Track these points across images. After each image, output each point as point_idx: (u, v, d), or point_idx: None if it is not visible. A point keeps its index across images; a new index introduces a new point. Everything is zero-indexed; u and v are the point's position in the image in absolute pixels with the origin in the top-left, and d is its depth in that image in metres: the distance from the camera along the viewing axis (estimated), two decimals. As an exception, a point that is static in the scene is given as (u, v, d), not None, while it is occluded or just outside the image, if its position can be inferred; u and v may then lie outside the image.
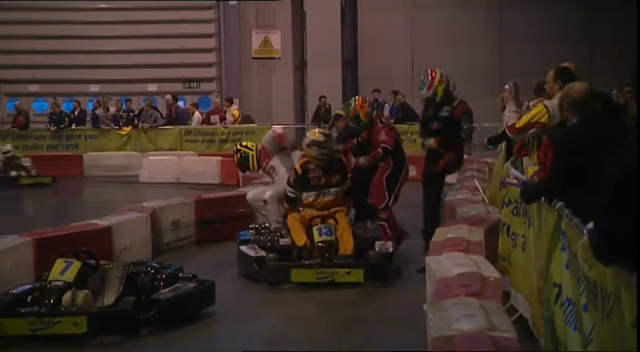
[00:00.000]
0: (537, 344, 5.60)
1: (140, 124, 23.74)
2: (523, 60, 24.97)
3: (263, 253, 8.86)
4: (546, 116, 7.19)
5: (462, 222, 8.67)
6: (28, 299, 7.05)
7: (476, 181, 12.76)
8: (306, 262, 8.67)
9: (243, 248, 9.14)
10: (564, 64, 7.26)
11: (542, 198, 5.42)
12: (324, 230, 8.78)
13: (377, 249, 8.82)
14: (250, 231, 9.84)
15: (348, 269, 8.45)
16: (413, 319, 6.26)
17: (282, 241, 9.09)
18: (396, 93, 23.77)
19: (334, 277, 8.41)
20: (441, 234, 8.01)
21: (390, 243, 9.05)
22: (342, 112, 12.38)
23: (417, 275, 7.78)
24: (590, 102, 5.47)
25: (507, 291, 6.69)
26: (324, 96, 24.46)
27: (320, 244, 8.70)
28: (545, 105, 7.28)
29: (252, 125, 24.73)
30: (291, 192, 9.42)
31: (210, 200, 12.57)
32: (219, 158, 20.85)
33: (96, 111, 24.31)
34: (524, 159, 7.96)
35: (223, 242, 10.62)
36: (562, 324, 4.56)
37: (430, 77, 9.66)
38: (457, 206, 10.23)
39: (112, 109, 24.28)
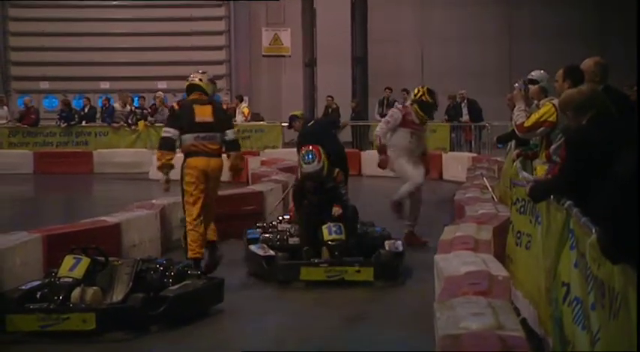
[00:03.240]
0: (542, 343, 5.59)
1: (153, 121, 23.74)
2: (533, 58, 24.89)
3: (272, 252, 8.84)
4: (555, 115, 7.18)
5: (470, 220, 8.66)
6: (37, 296, 7.08)
7: (485, 180, 12.73)
8: (316, 260, 8.63)
9: (252, 247, 9.08)
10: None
11: (552, 196, 5.41)
12: (333, 228, 8.74)
13: (387, 248, 8.82)
14: (257, 229, 9.90)
15: (358, 268, 8.42)
16: (422, 318, 6.26)
17: (291, 240, 9.10)
18: (407, 91, 23.73)
19: (344, 276, 8.38)
20: (449, 232, 8.01)
21: (399, 242, 9.04)
22: (297, 113, 12.44)
23: (428, 275, 7.53)
24: (593, 100, 5.45)
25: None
26: (330, 96, 24.43)
27: (330, 242, 8.67)
28: (554, 105, 7.27)
29: (261, 123, 24.77)
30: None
31: (219, 197, 12.52)
32: None
33: (114, 106, 24.29)
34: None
35: (232, 239, 10.61)
36: (570, 323, 4.55)
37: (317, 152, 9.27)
38: (466, 204, 10.21)
39: (127, 106, 24.33)
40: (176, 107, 9.52)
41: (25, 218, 13.47)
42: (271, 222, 10.18)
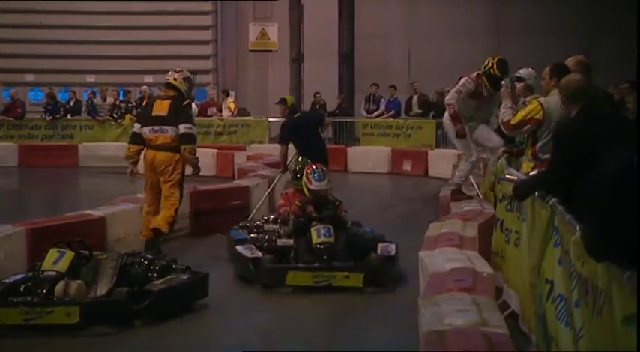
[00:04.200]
0: (528, 340, 5.62)
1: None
2: (521, 55, 24.94)
3: (259, 254, 8.52)
4: (541, 112, 7.20)
5: (455, 217, 8.68)
6: (21, 289, 7.06)
7: (470, 177, 12.75)
8: (303, 264, 8.31)
9: (239, 248, 8.76)
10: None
11: (536, 193, 5.43)
12: (322, 231, 8.35)
13: (379, 251, 8.47)
14: (240, 229, 9.68)
15: (346, 273, 8.04)
16: (407, 317, 6.24)
17: (280, 241, 8.80)
18: (394, 87, 23.75)
19: (332, 281, 8.01)
20: (434, 228, 8.03)
21: (393, 246, 8.63)
22: (288, 99, 12.49)
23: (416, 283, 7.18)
24: (587, 91, 5.48)
25: (500, 287, 6.70)
26: (318, 93, 24.41)
27: (318, 246, 8.29)
28: (540, 102, 7.30)
29: (248, 118, 24.71)
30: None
31: (205, 192, 12.56)
32: (215, 150, 20.82)
33: (94, 101, 24.24)
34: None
35: (217, 234, 10.60)
36: (553, 320, 4.57)
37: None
38: (451, 201, 10.23)
39: (110, 99, 24.24)
40: (144, 103, 9.92)
41: (10, 211, 13.39)
42: (255, 222, 9.90)
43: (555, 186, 5.12)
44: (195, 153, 10.24)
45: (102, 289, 7.15)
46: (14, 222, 8.75)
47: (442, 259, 6.37)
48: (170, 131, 9.84)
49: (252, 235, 9.32)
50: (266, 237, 9.05)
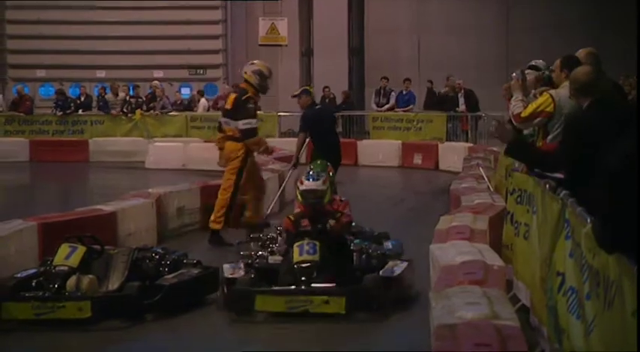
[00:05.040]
0: (539, 333, 5.61)
1: (151, 111, 23.73)
2: (530, 49, 24.88)
3: (241, 273, 7.31)
4: (552, 105, 7.18)
5: (466, 210, 8.66)
6: (33, 284, 7.08)
7: (481, 170, 12.74)
8: (274, 287, 7.06)
9: (225, 266, 7.51)
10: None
11: (547, 186, 5.42)
12: (306, 247, 7.12)
13: (381, 271, 7.29)
14: (252, 242, 8.39)
15: (325, 298, 6.74)
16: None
17: (271, 259, 7.58)
18: (408, 80, 23.68)
19: (308, 307, 6.74)
20: (445, 221, 8.01)
21: (402, 265, 7.46)
22: (310, 89, 12.53)
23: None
24: (597, 83, 5.47)
25: (511, 280, 6.69)
26: (327, 87, 24.41)
27: (298, 265, 7.07)
28: (550, 95, 7.27)
29: (258, 112, 24.69)
30: None
31: (215, 187, 12.55)
32: None
33: (105, 97, 24.30)
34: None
35: (228, 228, 10.61)
36: (565, 313, 4.56)
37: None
38: (462, 194, 10.22)
39: (122, 94, 24.30)
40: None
41: (21, 206, 13.45)
42: (268, 235, 8.35)
43: (551, 170, 5.12)
44: (259, 143, 10.82)
45: (113, 284, 7.17)
46: (25, 217, 8.77)
47: (453, 252, 6.36)
48: (233, 124, 10.34)
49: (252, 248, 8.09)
50: (259, 253, 7.78)
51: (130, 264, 7.32)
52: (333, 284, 6.93)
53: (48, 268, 7.14)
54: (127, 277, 7.19)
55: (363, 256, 7.63)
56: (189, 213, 11.66)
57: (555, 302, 4.89)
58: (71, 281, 6.94)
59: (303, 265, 7.01)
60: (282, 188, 12.94)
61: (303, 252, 7.09)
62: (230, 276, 7.23)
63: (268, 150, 11.30)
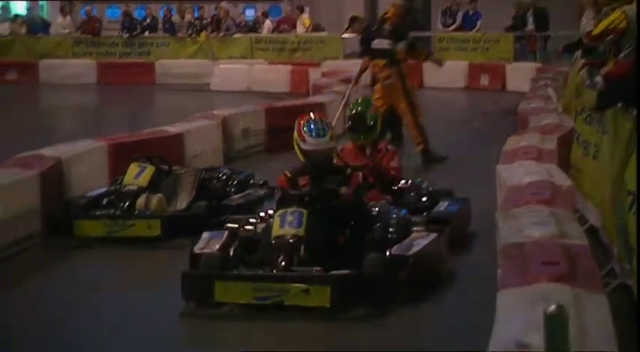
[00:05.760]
0: (609, 253, 5.56)
1: (214, 32, 23.71)
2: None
3: (215, 247, 5.57)
4: (625, 22, 6.96)
5: (534, 130, 8.54)
6: (104, 203, 7.25)
7: (550, 90, 12.50)
8: (236, 272, 5.34)
9: (204, 235, 5.83)
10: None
11: (619, 104, 5.30)
12: (289, 217, 5.35)
13: (394, 249, 5.48)
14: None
15: (305, 286, 5.04)
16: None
17: (260, 227, 5.81)
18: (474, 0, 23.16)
19: (283, 298, 5.07)
20: (512, 142, 7.91)
21: (425, 239, 5.68)
22: (358, 15, 12.43)
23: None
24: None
25: (578, 200, 6.61)
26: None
27: (277, 240, 5.31)
28: (624, 11, 7.05)
29: (322, 34, 24.54)
30: None
31: (280, 108, 12.60)
32: (290, 67, 20.84)
33: (171, 19, 24.33)
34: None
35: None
36: (635, 232, 4.50)
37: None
38: (530, 115, 10.07)
39: (187, 16, 24.29)
40: None
41: (90, 127, 13.66)
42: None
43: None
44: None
45: (181, 203, 7.31)
46: (95, 137, 8.92)
47: (520, 172, 6.29)
48: (389, 44, 10.68)
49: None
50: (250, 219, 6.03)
51: (198, 184, 7.43)
52: (318, 269, 5.17)
53: (118, 187, 7.29)
54: (194, 197, 7.32)
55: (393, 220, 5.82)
56: (255, 134, 11.73)
57: (626, 222, 4.83)
58: (141, 200, 7.08)
59: (282, 240, 5.27)
60: (343, 104, 12.88)
61: (284, 224, 5.32)
62: (197, 252, 5.55)
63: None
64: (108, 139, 8.82)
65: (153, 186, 7.25)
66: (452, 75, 21.09)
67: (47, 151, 7.85)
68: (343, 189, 5.64)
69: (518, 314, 3.38)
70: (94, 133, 9.73)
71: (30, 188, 6.98)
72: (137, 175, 7.27)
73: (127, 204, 7.06)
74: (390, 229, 5.74)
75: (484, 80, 21.04)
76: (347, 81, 14.94)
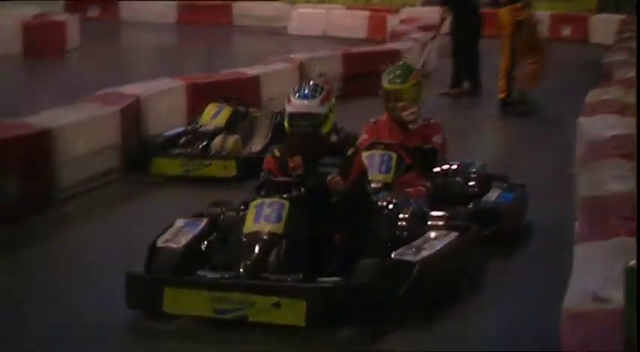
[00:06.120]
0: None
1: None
2: None
3: (181, 241, 4.44)
4: None
5: (618, 83, 8.34)
6: (181, 142, 7.33)
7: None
8: (191, 277, 4.20)
9: (178, 222, 4.68)
10: None
11: None
12: (266, 210, 4.30)
13: (398, 252, 4.37)
14: None
15: (276, 299, 3.93)
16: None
17: (228, 215, 4.75)
18: None
19: (247, 312, 3.97)
20: (595, 95, 7.75)
21: (442, 240, 4.54)
22: None
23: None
24: None
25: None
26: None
27: (248, 237, 4.26)
28: None
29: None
30: None
31: (357, 54, 12.52)
32: (367, 12, 20.69)
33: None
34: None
35: (368, 97, 10.60)
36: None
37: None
38: (614, 68, 9.83)
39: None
40: None
41: (168, 66, 13.76)
42: None
43: None
44: None
45: (257, 145, 7.36)
46: (173, 77, 8.99)
47: (602, 125, 6.17)
48: None
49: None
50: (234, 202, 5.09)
51: (273, 127, 7.46)
52: (291, 278, 4.05)
53: (195, 127, 7.36)
54: (270, 139, 7.35)
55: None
56: (331, 79, 11.68)
57: None
58: (217, 141, 7.15)
59: (253, 238, 4.23)
60: (422, 61, 12.73)
61: (259, 218, 4.28)
62: (159, 245, 4.46)
63: None
64: (186, 79, 8.89)
65: (230, 127, 7.30)
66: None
67: (127, 89, 7.95)
68: (334, 176, 4.47)
69: (596, 267, 3.33)
70: (172, 73, 9.79)
71: (110, 124, 7.11)
72: (214, 115, 7.34)
73: (204, 143, 7.14)
74: (401, 223, 4.73)
75: (566, 31, 20.57)
76: (425, 28, 14.79)
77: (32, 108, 7.10)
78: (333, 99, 4.69)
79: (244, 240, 4.23)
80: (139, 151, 7.28)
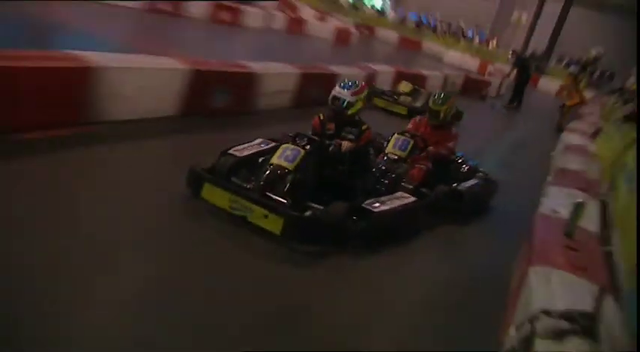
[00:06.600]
0: None
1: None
2: None
3: (242, 154, 6.31)
4: None
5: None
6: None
7: None
8: (221, 180, 6.00)
9: (257, 140, 6.68)
10: None
11: None
12: (287, 152, 6.07)
13: (367, 201, 6.09)
14: None
15: (265, 212, 5.63)
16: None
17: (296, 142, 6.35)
18: None
19: (247, 214, 5.70)
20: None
21: (401, 200, 6.31)
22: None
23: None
24: None
25: None
26: None
27: (269, 167, 6.01)
28: None
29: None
30: None
31: (473, 79, 15.85)
32: (478, 59, 25.28)
33: None
34: None
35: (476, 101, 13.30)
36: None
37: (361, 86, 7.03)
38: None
39: None
40: None
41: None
42: None
43: None
44: None
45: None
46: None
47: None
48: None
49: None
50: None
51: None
52: (284, 201, 5.77)
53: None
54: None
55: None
56: (456, 87, 14.68)
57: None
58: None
59: (272, 169, 5.99)
60: (501, 87, 15.30)
61: (282, 156, 6.07)
62: (229, 152, 6.30)
63: None
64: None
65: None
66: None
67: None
68: (345, 144, 6.37)
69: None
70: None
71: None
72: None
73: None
74: (384, 181, 6.76)
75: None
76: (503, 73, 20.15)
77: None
78: (363, 95, 6.50)
79: (268, 166, 6.00)
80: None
